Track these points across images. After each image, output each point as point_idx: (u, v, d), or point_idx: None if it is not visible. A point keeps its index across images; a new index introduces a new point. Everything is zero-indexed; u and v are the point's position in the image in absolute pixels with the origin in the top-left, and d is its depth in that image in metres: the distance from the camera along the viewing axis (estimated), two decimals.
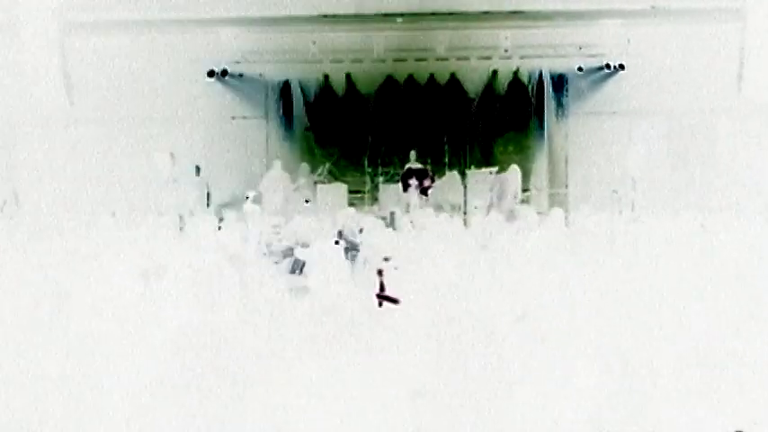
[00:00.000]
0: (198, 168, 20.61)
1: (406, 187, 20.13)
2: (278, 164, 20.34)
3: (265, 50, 22.12)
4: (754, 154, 20.54)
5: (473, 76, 22.84)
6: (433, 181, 20.44)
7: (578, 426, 4.39)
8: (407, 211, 18.41)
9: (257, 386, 4.09)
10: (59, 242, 13.16)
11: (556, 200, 21.34)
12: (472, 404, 5.55)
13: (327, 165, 22.22)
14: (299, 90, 23.12)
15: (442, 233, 11.97)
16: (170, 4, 17.24)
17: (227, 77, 22.10)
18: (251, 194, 17.87)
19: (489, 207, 18.80)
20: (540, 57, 22.09)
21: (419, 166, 20.87)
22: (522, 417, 4.43)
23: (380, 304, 6.20)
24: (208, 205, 19.96)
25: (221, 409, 3.99)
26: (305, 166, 21.71)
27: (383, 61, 22.49)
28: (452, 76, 22.80)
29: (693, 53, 19.94)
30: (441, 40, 22.03)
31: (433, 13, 18.51)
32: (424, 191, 19.86)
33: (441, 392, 5.37)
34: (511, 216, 16.56)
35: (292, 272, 8.82)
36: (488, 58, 22.38)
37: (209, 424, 4.00)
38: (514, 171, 20.12)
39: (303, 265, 8.93)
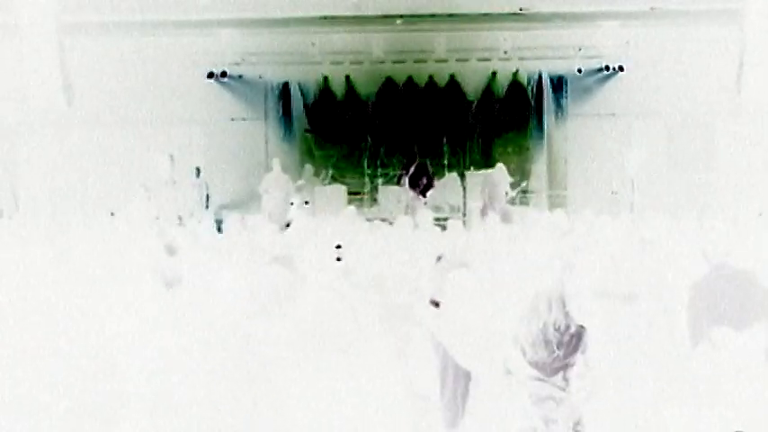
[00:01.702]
0: (198, 170, 20.61)
1: (399, 180, 20.07)
2: (277, 165, 20.32)
3: (265, 52, 22.12)
4: (752, 155, 20.53)
5: (472, 78, 22.85)
6: (431, 180, 20.34)
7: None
8: (407, 213, 18.42)
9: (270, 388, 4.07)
10: (60, 243, 13.19)
11: (555, 201, 21.33)
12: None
13: (331, 170, 22.27)
14: (299, 92, 23.13)
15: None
16: (169, 6, 17.21)
17: (226, 79, 22.10)
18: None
19: (484, 208, 18.80)
20: (539, 58, 22.10)
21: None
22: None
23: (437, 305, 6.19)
24: (207, 207, 19.96)
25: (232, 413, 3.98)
26: (309, 168, 21.69)
27: (382, 63, 22.51)
28: (452, 77, 22.81)
29: (692, 55, 19.95)
30: (440, 41, 22.06)
31: (432, 15, 18.50)
32: (423, 191, 19.81)
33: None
34: (506, 217, 16.58)
35: None
36: (488, 59, 22.40)
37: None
38: (500, 170, 20.07)
39: None
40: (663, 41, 20.10)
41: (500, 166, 20.20)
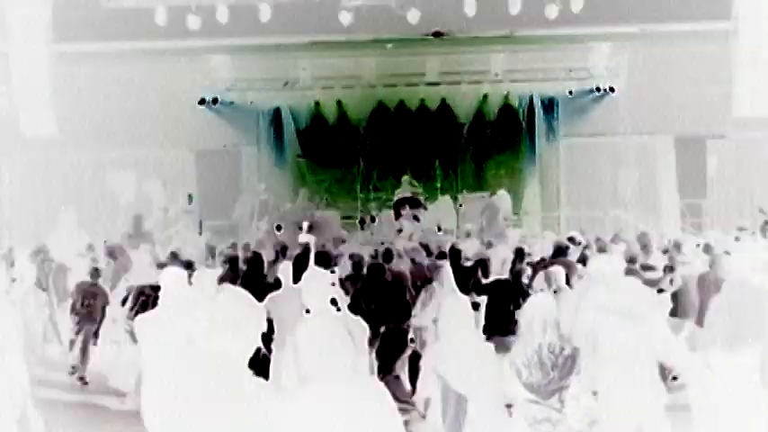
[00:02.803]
0: (190, 197, 20.62)
1: (398, 216, 20.13)
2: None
3: (256, 78, 22.19)
4: (745, 173, 20.62)
5: (464, 101, 22.93)
6: (425, 209, 20.44)
7: None
8: (401, 236, 18.46)
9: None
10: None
11: (548, 223, 21.37)
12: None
13: (325, 195, 22.31)
14: (290, 117, 23.16)
15: None
16: (160, 33, 17.24)
17: (217, 105, 22.12)
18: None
19: (480, 231, 18.84)
20: (530, 81, 22.17)
21: (409, 194, 20.81)
22: None
23: None
24: (200, 233, 19.96)
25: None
26: (303, 193, 21.68)
27: (374, 87, 22.55)
28: (443, 100, 22.86)
29: (682, 75, 20.01)
30: (431, 65, 22.13)
31: (423, 39, 18.54)
32: (415, 217, 19.89)
33: None
34: (501, 238, 16.63)
35: None
36: (479, 82, 22.47)
37: None
38: (504, 197, 20.20)
39: None
40: (653, 62, 20.17)
41: (503, 193, 20.32)
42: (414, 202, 20.36)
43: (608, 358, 6.65)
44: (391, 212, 20.54)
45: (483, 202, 20.29)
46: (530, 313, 4.93)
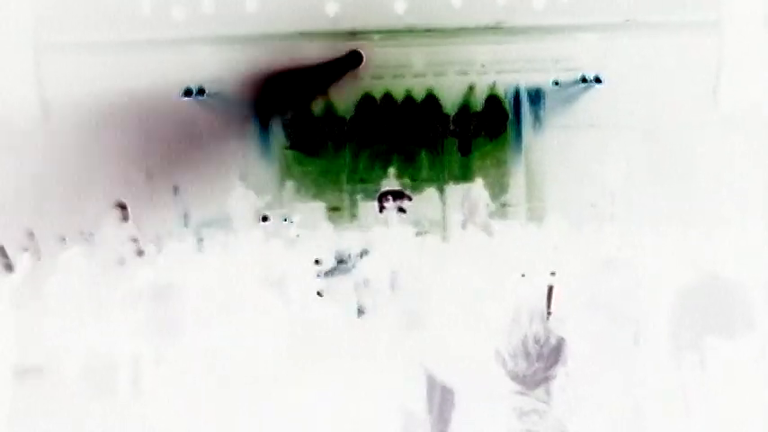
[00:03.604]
0: (176, 188, 20.56)
1: (381, 208, 20.10)
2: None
3: (243, 68, 22.09)
4: (731, 166, 20.65)
5: (450, 92, 22.88)
6: (409, 200, 20.40)
7: None
8: (384, 225, 18.47)
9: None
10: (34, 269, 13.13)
11: (534, 214, 21.39)
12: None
13: (310, 186, 22.29)
14: None
15: None
16: (146, 24, 17.19)
17: (203, 96, 22.04)
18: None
19: (464, 222, 18.87)
20: (516, 71, 22.14)
21: (395, 186, 20.80)
22: None
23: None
24: (186, 225, 19.92)
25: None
26: (290, 185, 21.65)
27: (360, 79, 22.49)
28: (429, 92, 22.84)
29: (670, 65, 20.00)
30: (417, 56, 22.10)
31: (409, 30, 18.54)
32: (401, 209, 19.87)
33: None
34: (488, 230, 16.66)
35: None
36: (465, 73, 22.45)
37: None
38: (479, 184, 20.19)
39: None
40: (640, 53, 20.17)
41: (478, 180, 20.31)
42: (397, 194, 20.34)
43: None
44: (376, 203, 20.53)
45: (462, 193, 20.28)
46: (518, 304, 4.93)
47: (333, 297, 8.64)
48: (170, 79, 21.12)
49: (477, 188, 19.97)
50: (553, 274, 9.21)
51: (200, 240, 14.92)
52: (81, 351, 9.84)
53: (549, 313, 6.05)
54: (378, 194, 20.61)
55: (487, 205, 19.80)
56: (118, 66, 20.04)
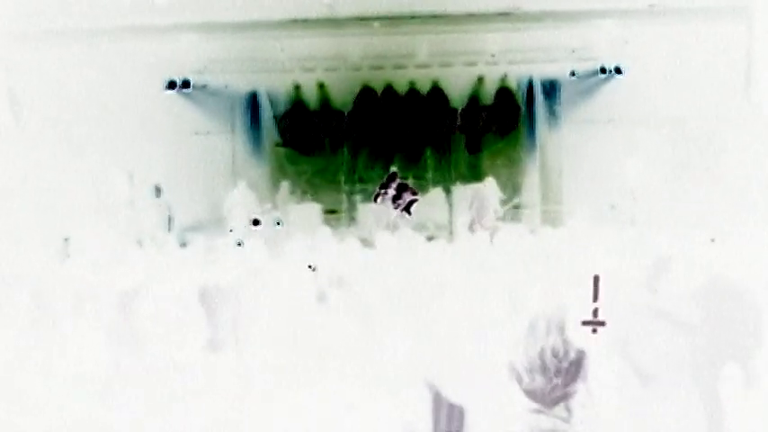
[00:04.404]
0: (158, 189, 20.53)
1: (377, 196, 19.96)
2: (242, 182, 20.34)
3: (230, 59, 22.08)
4: (764, 164, 20.60)
5: (457, 84, 22.90)
6: (414, 194, 20.27)
7: None
8: (387, 228, 18.43)
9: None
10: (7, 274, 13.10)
11: (549, 217, 21.35)
12: None
13: (307, 187, 22.28)
14: (268, 102, 23.08)
15: None
16: (124, 10, 17.15)
17: (188, 89, 22.01)
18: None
19: (472, 224, 18.84)
20: (529, 62, 22.14)
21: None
22: None
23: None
24: (169, 229, 19.90)
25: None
26: (285, 186, 21.68)
27: (359, 69, 22.50)
28: (435, 84, 22.83)
29: (696, 55, 19.98)
30: (422, 45, 22.06)
31: (413, 17, 18.50)
32: (407, 207, 19.80)
33: None
34: (497, 233, 16.61)
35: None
36: (473, 64, 22.44)
37: None
38: (490, 183, 20.14)
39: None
40: (664, 41, 20.14)
41: (489, 179, 20.27)
42: (401, 186, 20.19)
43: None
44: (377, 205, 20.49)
45: (470, 193, 20.23)
46: (534, 314, 4.89)
47: (328, 305, 8.61)
48: (152, 71, 21.11)
49: (486, 188, 19.93)
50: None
51: (184, 245, 14.89)
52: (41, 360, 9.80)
53: (595, 309, 6.02)
54: (381, 183, 20.47)
55: (498, 207, 19.77)
56: (94, 56, 20.02)
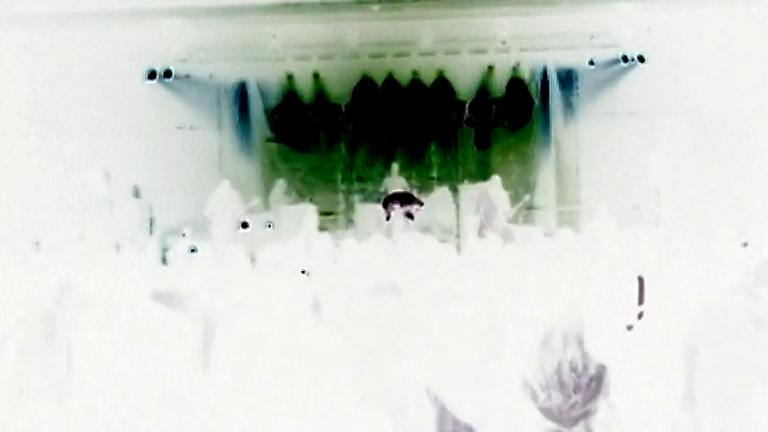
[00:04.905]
0: (137, 189, 20.50)
1: (389, 215, 20.03)
2: (226, 182, 20.34)
3: (216, 46, 22.05)
4: None
5: (464, 74, 22.83)
6: (420, 205, 20.28)
7: None
8: (389, 236, 18.41)
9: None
10: None
11: (565, 218, 21.32)
12: None
13: (301, 186, 22.27)
14: (258, 93, 23.04)
15: None
16: None
17: (170, 79, 21.99)
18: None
19: (481, 228, 18.83)
20: (543, 49, 22.11)
21: (403, 189, 20.72)
22: None
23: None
24: (151, 232, 19.88)
25: None
26: (280, 185, 21.69)
27: (358, 57, 22.47)
28: (440, 74, 22.79)
29: (725, 42, 19.99)
30: (426, 30, 22.04)
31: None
32: (409, 215, 19.81)
33: None
34: (507, 237, 16.61)
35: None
36: (483, 51, 22.40)
37: None
38: (494, 182, 20.11)
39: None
40: (691, 27, 20.15)
41: (495, 178, 20.25)
42: (406, 198, 20.24)
43: None
44: (377, 206, 20.48)
45: (477, 194, 20.20)
46: (550, 325, 4.87)
47: (323, 315, 8.60)
48: (131, 59, 21.09)
49: (493, 186, 19.91)
50: None
51: (166, 250, 14.90)
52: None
53: (640, 313, 6.02)
54: (383, 199, 20.50)
55: (507, 207, 19.75)
56: (66, 43, 20.01)
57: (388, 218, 19.99)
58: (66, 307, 8.71)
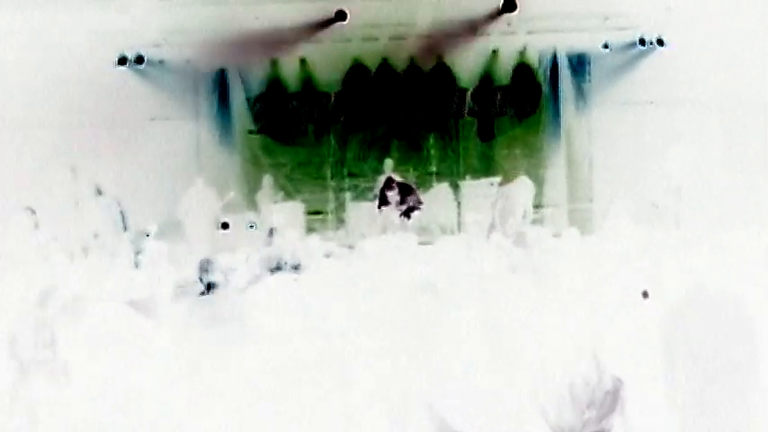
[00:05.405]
0: (98, 189, 20.39)
1: (383, 202, 20.03)
2: (200, 181, 20.37)
3: (193, 29, 22.04)
4: None
5: (466, 59, 22.86)
6: (419, 203, 20.33)
7: None
8: (381, 232, 18.47)
9: None
10: None
11: (577, 217, 21.36)
12: None
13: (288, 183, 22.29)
14: (240, 81, 23.05)
15: None
16: None
17: (143, 66, 22.00)
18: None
19: (491, 228, 18.85)
20: (553, 31, 22.14)
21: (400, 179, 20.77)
22: None
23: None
24: (125, 229, 19.86)
25: None
26: (268, 180, 21.71)
27: (349, 41, 22.48)
28: (439, 59, 22.82)
29: (751, 25, 20.03)
30: (424, 10, 22.04)
31: None
32: (407, 212, 19.84)
33: None
34: (520, 240, 16.63)
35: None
36: (486, 34, 22.42)
37: None
38: (523, 184, 20.12)
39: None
40: (714, 7, 20.21)
41: (524, 179, 20.20)
42: (405, 188, 20.27)
43: None
44: (370, 204, 20.51)
45: (494, 192, 20.24)
46: (561, 336, 4.90)
47: (313, 322, 8.63)
48: (100, 44, 21.09)
49: (519, 187, 19.91)
50: None
51: (138, 253, 14.92)
52: None
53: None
54: (381, 184, 20.50)
55: (530, 209, 19.75)
56: (30, 26, 20.02)
57: (380, 205, 19.99)
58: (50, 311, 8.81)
